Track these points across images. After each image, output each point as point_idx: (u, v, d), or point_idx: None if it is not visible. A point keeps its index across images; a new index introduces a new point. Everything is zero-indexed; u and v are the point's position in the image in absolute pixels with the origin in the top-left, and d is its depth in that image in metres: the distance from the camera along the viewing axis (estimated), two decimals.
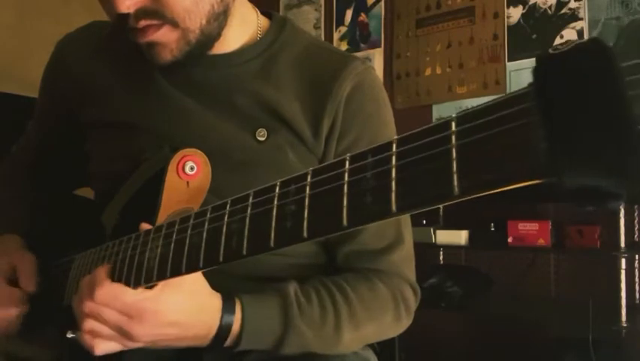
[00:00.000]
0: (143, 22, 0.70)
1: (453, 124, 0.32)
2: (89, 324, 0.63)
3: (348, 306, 0.74)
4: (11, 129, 1.15)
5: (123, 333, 0.62)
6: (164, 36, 0.71)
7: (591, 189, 0.27)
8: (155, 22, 0.70)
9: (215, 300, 0.67)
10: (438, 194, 0.33)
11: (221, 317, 0.66)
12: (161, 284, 0.62)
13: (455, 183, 0.31)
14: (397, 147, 0.36)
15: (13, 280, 0.81)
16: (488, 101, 0.31)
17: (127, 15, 0.68)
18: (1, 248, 0.84)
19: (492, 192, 0.30)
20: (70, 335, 0.68)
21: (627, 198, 0.27)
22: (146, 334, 0.63)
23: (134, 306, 0.61)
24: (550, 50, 0.28)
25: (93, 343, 0.63)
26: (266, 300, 0.71)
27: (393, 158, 0.36)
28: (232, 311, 0.67)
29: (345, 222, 0.38)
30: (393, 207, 0.35)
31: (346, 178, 0.39)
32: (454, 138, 0.32)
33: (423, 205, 0.34)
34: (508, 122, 0.30)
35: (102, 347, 0.64)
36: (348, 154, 0.40)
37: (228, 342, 0.68)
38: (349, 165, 0.39)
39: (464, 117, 0.32)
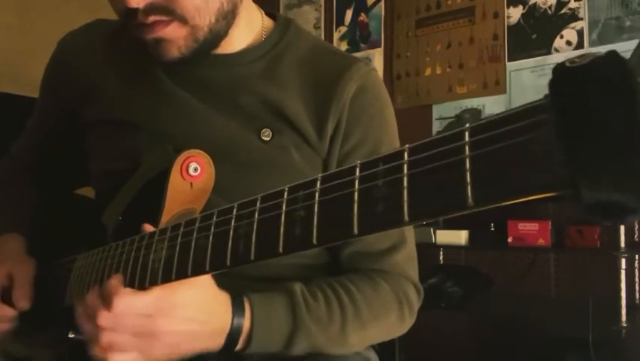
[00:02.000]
0: (152, 18, 0.69)
1: (466, 134, 0.32)
2: (108, 336, 0.60)
3: (354, 306, 0.74)
4: (11, 129, 1.14)
5: (145, 337, 0.60)
6: (173, 32, 0.71)
7: (609, 204, 0.27)
8: (164, 18, 0.70)
9: (224, 295, 0.66)
10: (451, 204, 0.32)
11: (232, 318, 0.65)
12: (172, 283, 0.61)
13: (469, 193, 0.31)
14: (409, 156, 0.36)
15: (8, 288, 0.80)
16: (503, 112, 0.31)
17: (135, 10, 0.68)
18: (1, 253, 0.83)
19: (506, 203, 0.30)
20: (71, 336, 0.68)
21: None
22: (169, 331, 0.60)
23: (152, 305, 0.60)
24: (567, 63, 0.28)
25: (110, 356, 0.60)
26: (274, 299, 0.70)
27: (405, 166, 0.36)
28: (242, 311, 0.66)
29: (355, 230, 0.38)
30: (406, 217, 0.34)
31: (357, 186, 0.39)
32: (467, 148, 0.32)
33: (435, 215, 0.34)
34: (523, 134, 0.29)
35: (120, 359, 0.61)
36: (358, 161, 0.40)
37: (240, 343, 0.67)
38: (360, 172, 0.39)
39: (478, 128, 0.32)
